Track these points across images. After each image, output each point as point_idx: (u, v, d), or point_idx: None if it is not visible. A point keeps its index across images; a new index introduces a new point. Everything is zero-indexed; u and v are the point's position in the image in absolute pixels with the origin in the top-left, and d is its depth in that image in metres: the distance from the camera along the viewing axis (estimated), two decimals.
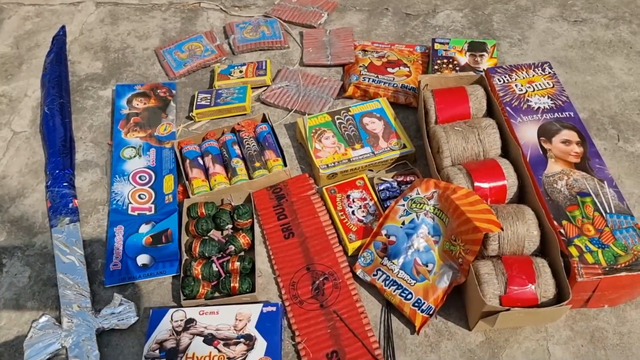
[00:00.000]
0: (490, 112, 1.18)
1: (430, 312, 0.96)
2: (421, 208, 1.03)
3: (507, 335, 0.97)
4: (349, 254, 1.06)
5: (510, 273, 0.91)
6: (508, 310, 0.88)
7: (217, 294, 1.02)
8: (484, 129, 1.11)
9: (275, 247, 1.08)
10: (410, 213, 1.03)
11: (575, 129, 1.11)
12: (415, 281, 0.98)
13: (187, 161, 1.18)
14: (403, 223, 1.03)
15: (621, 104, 1.31)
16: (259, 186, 1.16)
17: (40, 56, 1.50)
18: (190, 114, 1.31)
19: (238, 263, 1.03)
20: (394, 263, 1.00)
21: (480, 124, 1.12)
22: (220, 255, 1.05)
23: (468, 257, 0.93)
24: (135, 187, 1.18)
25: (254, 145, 1.20)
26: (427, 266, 0.99)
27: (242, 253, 1.07)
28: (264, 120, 1.26)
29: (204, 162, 1.19)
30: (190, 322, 0.96)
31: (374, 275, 1.01)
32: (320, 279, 1.02)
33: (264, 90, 1.36)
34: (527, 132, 1.10)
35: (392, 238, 1.02)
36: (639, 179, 1.17)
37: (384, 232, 1.03)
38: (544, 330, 0.97)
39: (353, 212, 1.09)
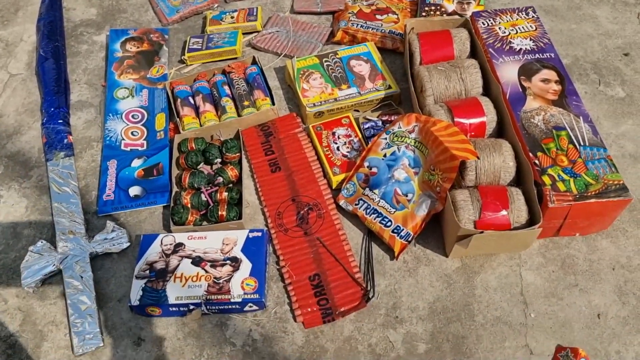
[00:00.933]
0: (474, 54, 1.21)
1: (409, 239, 1.00)
2: (402, 141, 1.06)
3: (482, 262, 1.01)
4: (333, 187, 1.10)
5: (485, 200, 0.96)
6: (481, 233, 0.93)
7: (205, 223, 1.07)
8: (467, 69, 1.14)
9: (262, 180, 1.12)
10: (392, 146, 1.07)
11: (555, 68, 1.14)
12: (395, 210, 1.02)
13: (179, 100, 1.21)
14: (385, 155, 1.06)
15: (604, 51, 1.33)
16: (248, 124, 1.20)
17: (36, 3, 1.52)
18: (182, 57, 1.34)
19: (226, 193, 1.07)
20: (375, 193, 1.04)
21: (462, 64, 1.15)
22: (209, 187, 1.09)
23: (445, 185, 0.97)
24: (128, 124, 1.22)
25: (243, 86, 1.23)
26: (406, 196, 1.03)
27: (230, 185, 1.12)
28: (254, 62, 1.29)
29: (194, 101, 1.22)
30: (179, 245, 1.00)
31: (356, 204, 1.05)
32: (305, 209, 1.07)
33: (254, 36, 1.39)
34: (508, 72, 1.13)
35: (374, 169, 1.06)
36: (617, 120, 1.20)
37: (366, 164, 1.07)
38: (517, 257, 1.02)
39: (338, 148, 1.13)
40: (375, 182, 1.05)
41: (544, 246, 1.03)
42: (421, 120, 1.05)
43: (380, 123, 1.18)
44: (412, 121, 1.06)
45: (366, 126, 1.17)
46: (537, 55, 1.16)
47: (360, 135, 1.15)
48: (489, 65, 1.14)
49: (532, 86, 1.11)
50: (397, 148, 1.06)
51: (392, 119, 1.18)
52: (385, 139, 1.08)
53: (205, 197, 1.07)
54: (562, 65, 1.14)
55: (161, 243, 1.01)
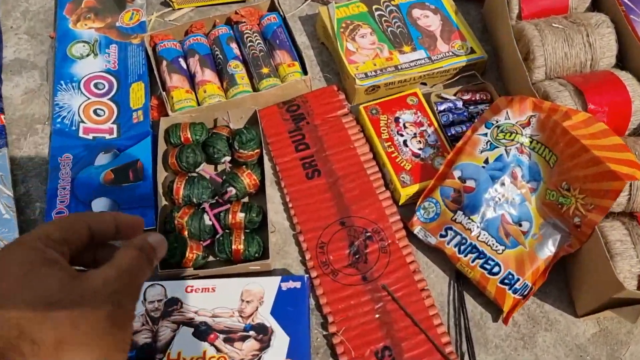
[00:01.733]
0: (598, 5, 0.84)
1: (526, 293, 0.66)
2: (512, 139, 0.70)
3: (630, 326, 0.68)
4: (400, 202, 0.74)
5: None
6: None
7: (211, 260, 0.70)
8: (595, 28, 0.77)
9: (295, 190, 0.75)
10: (497, 146, 0.70)
11: None
12: (503, 247, 0.67)
13: (164, 63, 0.82)
14: (486, 161, 0.70)
15: None
16: (267, 102, 0.81)
17: None
18: None
19: (242, 214, 0.70)
20: (472, 220, 0.68)
21: (588, 20, 0.78)
22: (215, 202, 0.72)
23: (592, 216, 0.62)
24: (89, 98, 0.82)
25: (259, 44, 0.84)
26: (520, 225, 0.68)
27: (247, 198, 0.75)
28: (273, 8, 0.89)
29: (188, 64, 0.83)
30: (173, 303, 0.64)
31: (442, 236, 0.69)
32: (361, 239, 0.71)
33: None
34: None
35: (470, 182, 0.70)
36: None
37: (456, 173, 0.71)
38: None
39: (405, 143, 0.76)
40: (473, 201, 0.69)
41: None
42: (543, 109, 0.68)
43: (460, 104, 0.81)
44: (527, 108, 0.70)
45: (441, 108, 0.80)
46: None
47: (436, 124, 0.78)
48: (625, 23, 0.77)
49: None
50: (505, 150, 0.70)
51: (477, 97, 0.81)
52: (485, 135, 0.71)
53: (211, 219, 0.70)
54: None
55: (144, 299, 0.64)
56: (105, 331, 0.35)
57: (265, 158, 0.77)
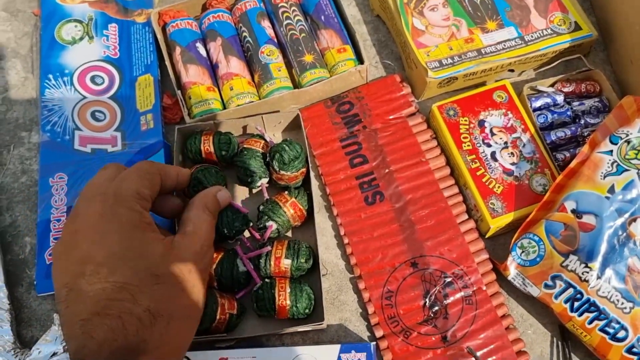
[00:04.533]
0: None
1: None
2: None
3: None
4: (488, 235, 0.58)
5: None
6: None
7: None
8: None
9: (351, 220, 0.58)
10: (626, 169, 0.52)
11: None
12: (632, 304, 0.51)
13: (178, 50, 0.64)
14: (611, 190, 0.52)
15: None
16: (312, 99, 0.64)
17: None
18: None
19: (288, 261, 0.54)
20: (590, 267, 0.51)
21: None
22: (247, 247, 0.56)
23: None
24: (85, 97, 0.65)
25: (299, 21, 0.65)
26: None
27: (290, 232, 0.59)
28: None
29: (208, 51, 0.65)
30: None
31: (548, 286, 0.53)
32: (439, 286, 0.55)
33: None
34: None
35: (588, 218, 0.52)
36: None
37: (569, 204, 0.53)
38: None
39: (494, 155, 0.59)
40: (592, 244, 0.52)
41: None
42: None
43: (561, 99, 0.62)
44: None
45: (536, 105, 0.62)
46: None
47: (532, 129, 0.60)
48: None
49: None
50: (638, 174, 0.52)
51: (583, 88, 0.63)
52: (611, 152, 0.53)
53: (245, 265, 0.54)
54: None
55: None
56: (199, 305, 0.41)
57: (312, 175, 0.60)
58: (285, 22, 0.65)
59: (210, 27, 0.65)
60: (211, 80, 0.63)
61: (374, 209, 0.58)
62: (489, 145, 0.59)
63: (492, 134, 0.60)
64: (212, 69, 0.64)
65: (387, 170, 0.60)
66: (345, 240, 0.58)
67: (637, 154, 0.52)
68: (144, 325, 0.35)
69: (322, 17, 0.65)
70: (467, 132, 0.60)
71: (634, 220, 0.51)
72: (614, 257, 0.51)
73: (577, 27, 0.64)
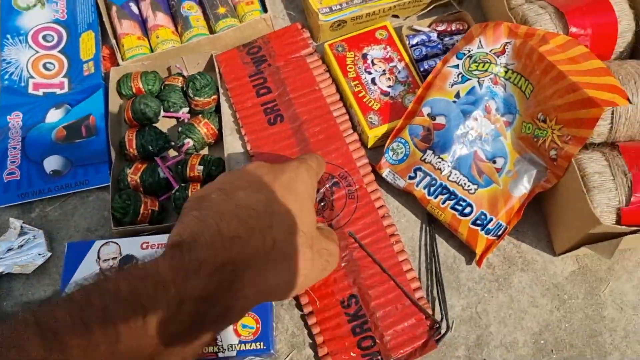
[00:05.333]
0: None
1: (500, 233, 0.62)
2: (486, 70, 0.64)
3: (611, 262, 0.64)
4: (369, 145, 0.70)
5: (636, 172, 0.56)
6: (636, 232, 0.55)
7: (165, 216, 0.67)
8: None
9: (256, 138, 0.70)
10: (469, 78, 0.65)
11: None
12: (476, 186, 0.63)
13: (114, 8, 0.76)
14: (457, 95, 0.65)
15: None
16: (227, 45, 0.76)
17: None
18: None
19: (201, 167, 0.66)
20: (442, 159, 0.64)
21: None
22: (165, 155, 0.68)
23: (569, 148, 0.57)
24: (37, 52, 0.77)
25: None
26: (494, 162, 0.63)
27: (206, 149, 0.71)
28: None
29: (139, 8, 0.77)
30: (127, 260, 0.62)
31: (411, 177, 0.65)
32: (327, 185, 0.67)
33: None
34: None
35: (440, 119, 0.65)
36: None
37: (425, 109, 0.66)
38: None
39: (373, 81, 0.71)
40: (444, 139, 0.64)
41: None
42: (519, 34, 0.63)
43: (435, 36, 0.75)
44: (501, 35, 0.64)
45: (414, 41, 0.74)
46: None
47: (407, 58, 0.72)
48: None
49: None
50: (478, 82, 0.64)
51: (454, 28, 0.75)
52: (457, 66, 0.66)
53: (165, 172, 0.66)
54: None
55: (98, 257, 0.62)
56: (308, 272, 0.45)
57: (225, 105, 0.73)
58: None
59: None
60: (141, 32, 0.75)
61: (275, 128, 0.70)
62: (369, 73, 0.71)
63: (373, 64, 0.72)
64: (143, 23, 0.77)
65: (287, 98, 0.72)
66: (251, 154, 0.70)
67: (477, 66, 0.65)
68: (264, 249, 0.39)
69: None
70: (353, 63, 0.72)
71: (475, 118, 0.64)
72: (462, 149, 0.64)
73: None
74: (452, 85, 0.65)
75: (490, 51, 0.64)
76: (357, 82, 0.71)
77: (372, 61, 0.72)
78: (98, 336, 0.31)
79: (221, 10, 0.75)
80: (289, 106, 0.71)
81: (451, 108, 0.64)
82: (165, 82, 0.71)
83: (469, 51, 0.65)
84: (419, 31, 0.75)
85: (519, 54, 0.62)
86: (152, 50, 0.74)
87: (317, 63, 0.74)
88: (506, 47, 0.63)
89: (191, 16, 0.75)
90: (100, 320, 0.31)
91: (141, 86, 0.70)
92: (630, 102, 0.56)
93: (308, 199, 0.46)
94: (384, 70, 0.71)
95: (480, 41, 0.65)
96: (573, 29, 0.64)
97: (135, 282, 0.34)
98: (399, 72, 0.71)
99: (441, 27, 0.75)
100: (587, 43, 0.65)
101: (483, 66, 0.64)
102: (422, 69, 0.72)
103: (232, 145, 0.71)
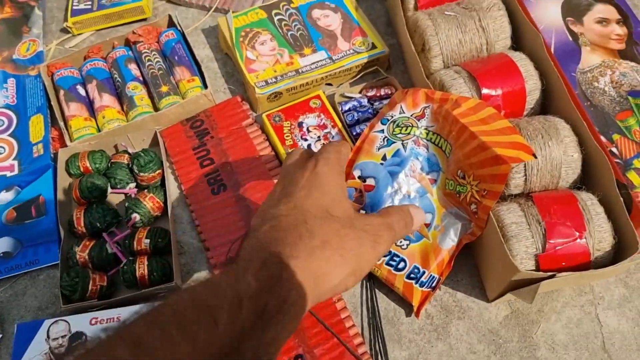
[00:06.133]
0: None
1: (434, 285, 0.66)
2: (408, 133, 0.70)
3: (541, 303, 0.68)
4: None
5: (548, 220, 0.61)
6: (552, 276, 0.59)
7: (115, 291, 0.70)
8: (487, 11, 0.77)
9: (201, 207, 0.74)
10: (394, 142, 0.70)
11: (611, 1, 0.78)
12: (408, 242, 0.67)
13: (62, 92, 0.81)
14: (384, 158, 0.70)
15: None
16: (171, 120, 0.80)
17: None
18: (65, 25, 0.91)
19: (147, 240, 0.69)
20: None
21: (479, 5, 0.78)
22: (112, 231, 0.71)
23: (486, 202, 0.62)
24: None
25: (158, 62, 0.83)
26: None
27: (154, 221, 0.74)
28: (172, 24, 0.88)
29: (86, 91, 0.82)
30: (77, 337, 0.63)
31: None
32: None
33: None
34: (546, 12, 0.77)
35: (370, 181, 0.69)
36: None
37: (356, 172, 0.70)
38: (589, 290, 0.69)
39: (309, 147, 0.76)
40: (374, 200, 0.68)
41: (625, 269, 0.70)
42: (435, 99, 0.68)
43: (365, 101, 0.80)
44: (420, 100, 0.70)
45: (346, 108, 0.80)
46: None
47: (340, 124, 0.78)
48: (517, 3, 0.78)
49: (585, 31, 0.75)
50: (402, 145, 0.70)
51: (383, 93, 0.81)
52: (382, 131, 0.71)
53: (112, 248, 0.69)
54: None
55: (48, 336, 0.63)
56: (356, 265, 0.45)
57: (171, 178, 0.76)
58: (147, 64, 0.82)
59: (88, 72, 0.82)
60: (88, 113, 0.79)
61: (218, 197, 0.74)
62: (305, 140, 0.76)
63: (309, 131, 0.77)
64: (90, 104, 0.81)
65: (229, 168, 0.76)
66: (197, 223, 0.73)
67: (400, 130, 0.70)
68: (303, 240, 0.42)
69: (176, 57, 0.83)
70: (289, 132, 0.77)
71: (402, 178, 0.68)
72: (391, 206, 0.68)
73: (374, 47, 0.83)
74: (379, 148, 0.70)
75: (411, 115, 0.70)
76: (294, 149, 0.75)
77: (308, 129, 0.77)
78: (176, 337, 0.33)
79: (164, 88, 0.80)
80: (231, 175, 0.75)
81: (379, 170, 0.69)
82: (112, 160, 0.75)
83: (392, 117, 0.71)
84: (351, 97, 0.81)
85: (437, 116, 0.68)
86: (99, 130, 0.78)
87: (256, 133, 0.79)
88: (425, 110, 0.69)
89: (135, 96, 0.79)
90: (175, 323, 0.34)
91: (89, 165, 0.74)
92: (535, 157, 0.61)
93: (334, 187, 0.48)
94: (318, 137, 0.76)
95: (401, 107, 0.70)
96: (485, 91, 0.70)
97: (198, 290, 0.37)
98: (333, 137, 0.76)
99: (371, 93, 0.81)
100: (500, 102, 0.71)
101: (406, 129, 0.70)
102: (354, 133, 0.77)
103: (178, 215, 0.74)
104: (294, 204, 0.45)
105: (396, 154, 0.69)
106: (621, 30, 0.74)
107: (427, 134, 0.69)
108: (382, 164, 0.69)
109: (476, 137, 0.62)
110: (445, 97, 0.68)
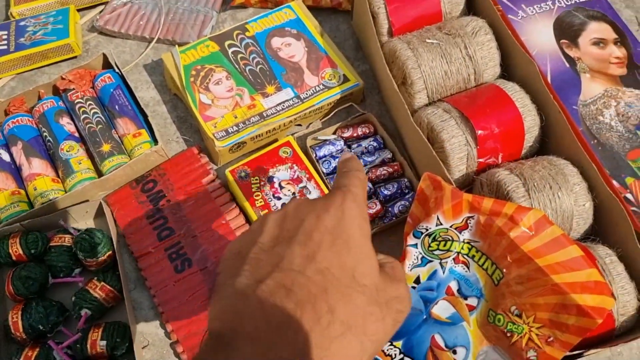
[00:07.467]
0: (472, 8, 0.75)
1: None
2: (448, 249, 0.56)
3: None
4: None
5: None
6: (579, 356, 0.52)
7: None
8: (472, 37, 0.68)
9: (163, 291, 0.63)
10: (430, 260, 0.57)
11: (606, 18, 0.71)
12: None
13: None
14: (417, 280, 0.57)
15: None
16: (118, 184, 0.68)
17: None
18: None
19: (103, 342, 0.58)
20: (395, 346, 0.56)
21: (463, 30, 0.69)
22: (60, 330, 0.59)
23: (552, 351, 0.49)
24: None
25: (95, 114, 0.70)
26: (454, 352, 0.54)
27: (108, 311, 0.62)
28: (107, 65, 0.75)
29: (11, 156, 0.68)
30: None
31: None
32: None
33: (101, 12, 0.83)
34: (537, 34, 0.70)
35: None
36: None
37: None
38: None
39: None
40: (401, 329, 0.56)
41: None
42: (482, 210, 0.54)
43: (342, 144, 0.71)
44: (462, 210, 0.55)
45: (320, 154, 0.70)
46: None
47: (316, 176, 0.68)
48: (505, 26, 0.69)
49: (582, 55, 0.67)
50: (440, 264, 0.57)
51: (360, 132, 0.72)
52: (416, 245, 0.57)
53: (61, 356, 0.57)
54: (614, 12, 0.71)
55: None
56: (381, 334, 0.35)
57: (125, 255, 0.65)
58: (82, 117, 0.70)
59: (11, 132, 0.69)
60: (16, 184, 0.66)
61: (183, 276, 0.63)
62: (279, 199, 0.66)
63: (281, 187, 0.67)
64: (17, 172, 0.67)
65: (192, 237, 0.65)
66: (160, 310, 0.62)
67: (438, 245, 0.56)
68: (320, 325, 0.31)
69: (117, 107, 0.70)
70: (259, 190, 0.66)
71: (436, 303, 0.56)
72: (417, 336, 0.55)
73: (346, 79, 0.73)
74: (412, 269, 0.56)
75: (450, 226, 0.55)
76: (266, 210, 0.65)
77: (280, 184, 0.67)
78: None
79: (105, 147, 0.67)
80: (196, 247, 0.65)
81: (412, 295, 0.57)
82: (50, 244, 0.62)
83: (427, 228, 0.56)
84: (325, 140, 0.71)
85: (485, 233, 0.53)
86: (31, 206, 0.65)
87: (220, 192, 0.68)
88: (468, 221, 0.54)
89: (72, 159, 0.67)
90: None
91: (22, 252, 0.61)
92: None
93: (362, 237, 0.36)
94: (293, 193, 0.66)
95: (438, 218, 0.56)
96: (480, 132, 0.62)
97: None
98: (310, 192, 0.67)
99: (347, 133, 0.72)
100: (498, 145, 0.63)
101: (444, 245, 0.55)
102: (330, 181, 0.68)
103: (137, 302, 0.63)
104: (313, 252, 0.33)
105: (432, 276, 0.56)
106: (620, 52, 0.67)
107: (470, 249, 0.55)
108: (414, 287, 0.56)
109: (546, 274, 0.49)
110: (497, 209, 0.52)
